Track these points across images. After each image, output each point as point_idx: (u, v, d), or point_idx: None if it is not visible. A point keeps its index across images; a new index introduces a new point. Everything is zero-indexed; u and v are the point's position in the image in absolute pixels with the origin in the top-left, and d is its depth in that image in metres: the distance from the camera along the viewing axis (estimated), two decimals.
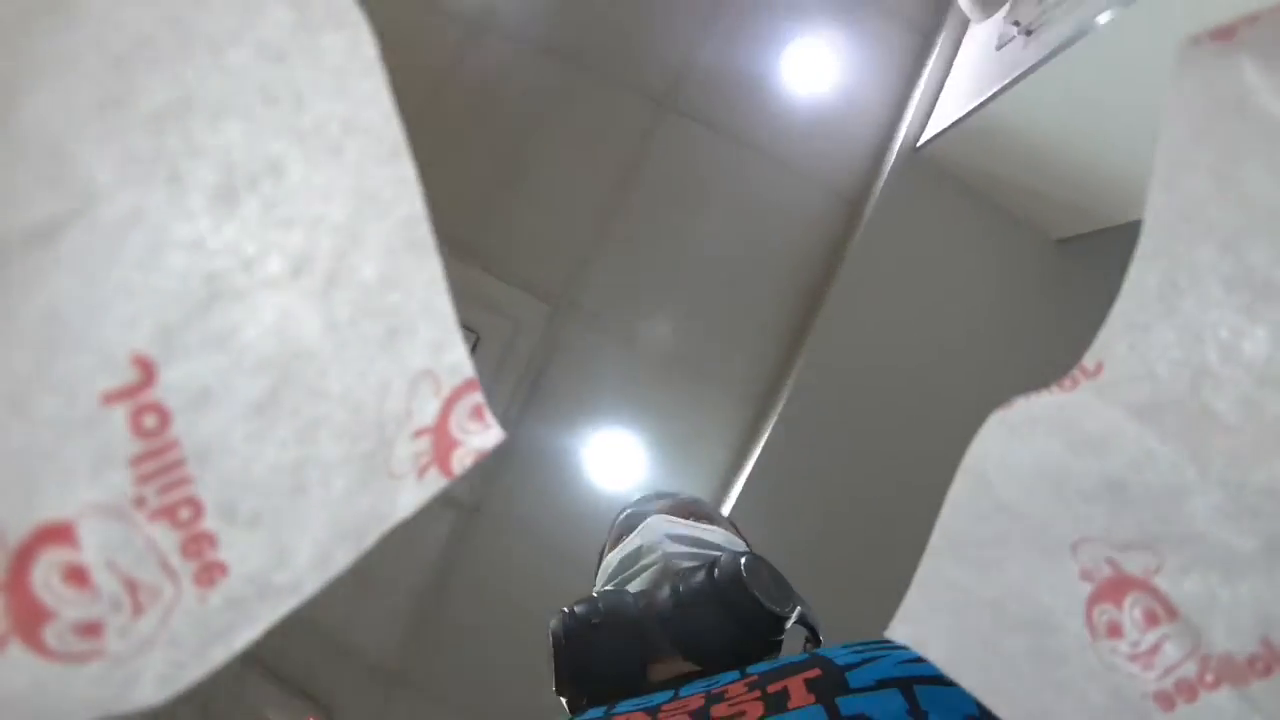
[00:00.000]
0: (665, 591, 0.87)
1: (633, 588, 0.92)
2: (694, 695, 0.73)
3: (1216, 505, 0.40)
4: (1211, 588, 0.40)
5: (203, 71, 0.31)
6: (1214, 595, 0.40)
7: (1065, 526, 0.43)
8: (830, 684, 0.65)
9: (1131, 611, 0.41)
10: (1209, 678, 0.40)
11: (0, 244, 0.30)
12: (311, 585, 0.36)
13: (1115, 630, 0.42)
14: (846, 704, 0.63)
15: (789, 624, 0.84)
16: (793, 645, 0.86)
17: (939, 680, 0.63)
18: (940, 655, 0.45)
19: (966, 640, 0.45)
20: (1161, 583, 0.41)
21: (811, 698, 0.64)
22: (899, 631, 0.46)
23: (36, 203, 0.30)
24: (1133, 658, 0.41)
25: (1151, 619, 0.41)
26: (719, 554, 0.93)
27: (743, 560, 0.85)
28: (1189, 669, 0.40)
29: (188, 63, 0.31)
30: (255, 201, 0.33)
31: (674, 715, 0.69)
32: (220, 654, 0.34)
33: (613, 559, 0.99)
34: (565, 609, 0.90)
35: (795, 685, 0.67)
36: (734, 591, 0.83)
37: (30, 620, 0.31)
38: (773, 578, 0.86)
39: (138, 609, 0.33)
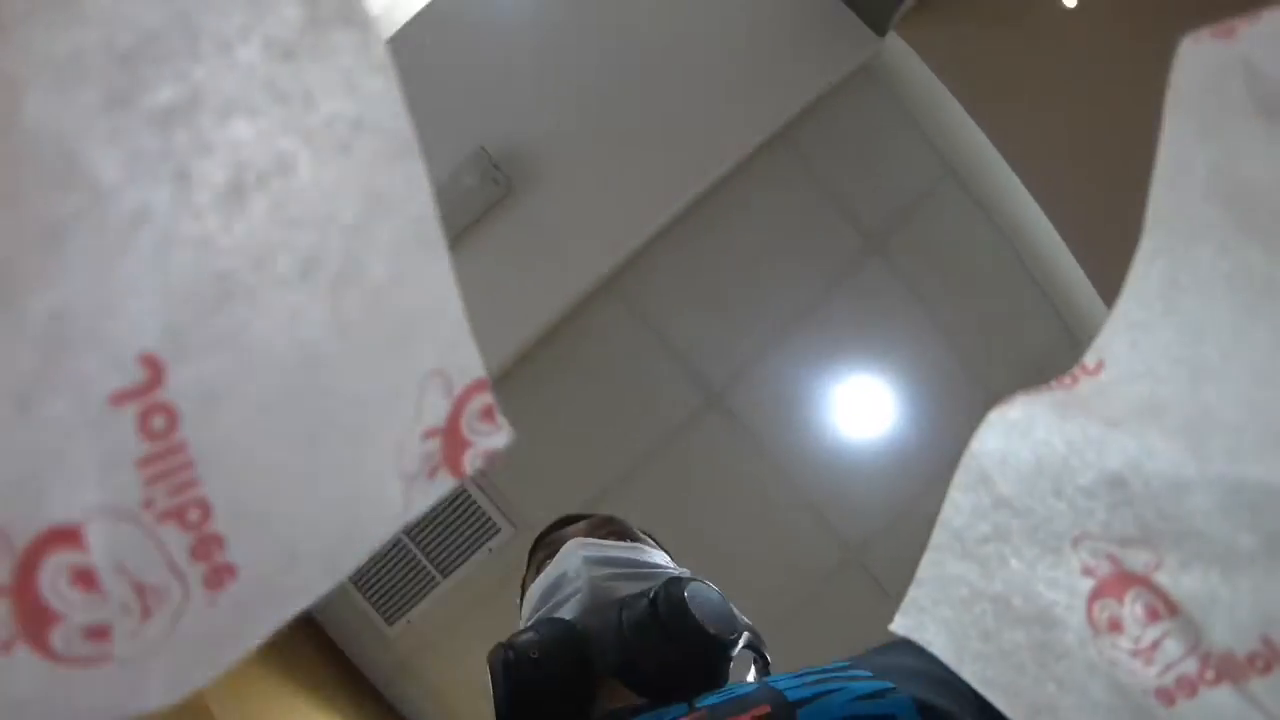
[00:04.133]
0: (608, 620, 0.84)
1: (562, 616, 0.89)
2: None
3: (1216, 502, 0.40)
4: (1212, 585, 0.40)
5: (211, 69, 0.31)
6: (1214, 592, 0.40)
7: (1066, 522, 0.43)
8: None
9: (1132, 607, 0.42)
10: (1209, 674, 0.40)
11: (8, 244, 0.29)
12: (320, 587, 0.35)
13: (1116, 626, 0.42)
14: None
15: (736, 650, 0.82)
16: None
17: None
18: (942, 649, 0.46)
19: (968, 634, 0.45)
20: (1162, 579, 0.41)
21: None
22: (902, 625, 0.47)
23: (43, 201, 0.30)
24: (1134, 654, 0.41)
25: (1152, 615, 0.41)
26: (653, 573, 0.90)
27: (686, 586, 0.82)
28: (1189, 665, 0.40)
29: (196, 60, 0.31)
30: (264, 200, 0.32)
31: None
32: (229, 656, 0.34)
33: (534, 590, 0.96)
34: (504, 642, 0.86)
35: None
36: (679, 620, 0.80)
37: (37, 623, 0.31)
38: (717, 603, 0.84)
39: (146, 612, 0.32)
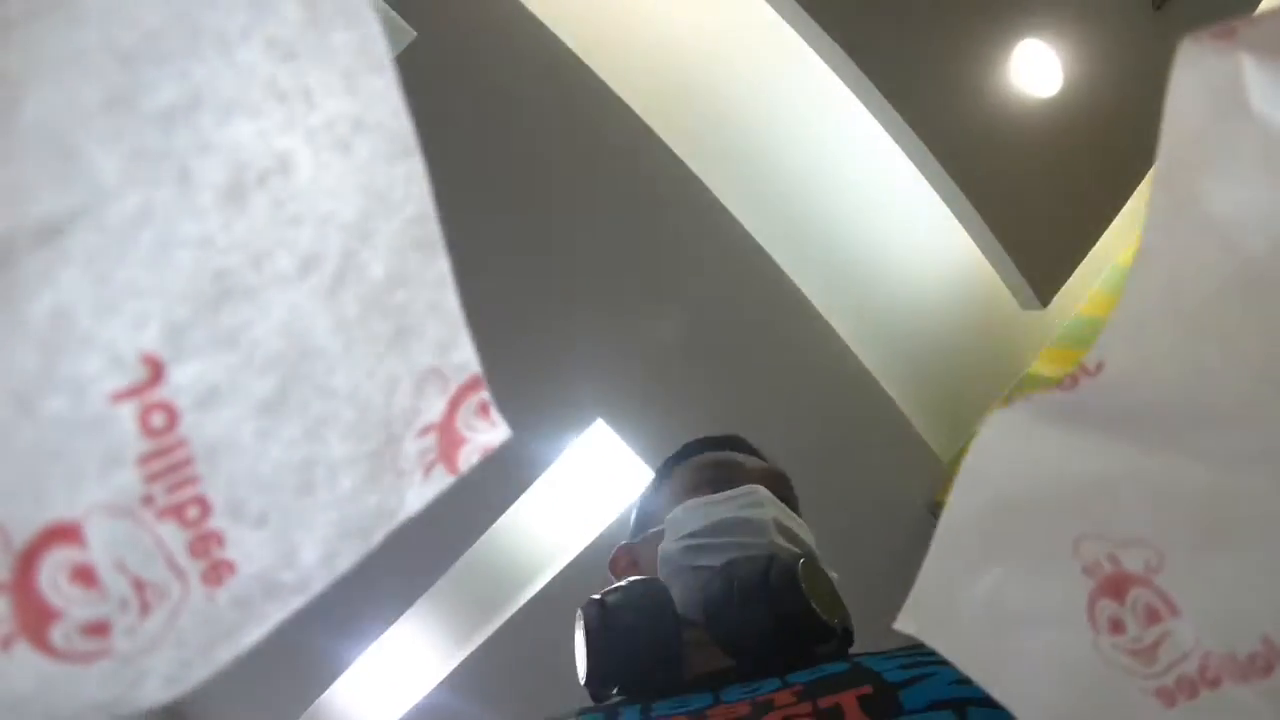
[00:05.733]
0: (716, 584, 0.83)
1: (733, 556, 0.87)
2: (739, 702, 0.71)
3: (1216, 502, 0.40)
4: (1212, 585, 0.40)
5: (212, 69, 0.31)
6: (1215, 593, 0.40)
7: (1067, 523, 0.43)
8: (884, 703, 0.65)
9: (1133, 607, 0.42)
10: (1210, 675, 0.40)
11: (7, 242, 0.29)
12: (318, 583, 0.36)
13: (1117, 626, 0.42)
14: None
15: (835, 636, 0.82)
16: None
17: (990, 703, 0.63)
18: (945, 648, 0.46)
19: (971, 634, 0.45)
20: (1163, 579, 0.41)
21: (866, 717, 0.63)
22: (904, 625, 0.47)
23: (44, 200, 0.30)
24: (1134, 653, 0.41)
25: (1153, 615, 0.41)
26: (768, 546, 0.89)
27: (800, 564, 0.82)
28: (1190, 666, 0.40)
29: (196, 59, 0.31)
30: (264, 199, 0.33)
31: None
32: (227, 653, 0.34)
33: (697, 506, 0.93)
34: (597, 596, 0.86)
35: (848, 702, 0.66)
36: (789, 597, 0.80)
37: (37, 620, 0.31)
38: (827, 585, 0.84)
39: (145, 608, 0.32)
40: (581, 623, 0.85)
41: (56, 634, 0.31)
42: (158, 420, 0.32)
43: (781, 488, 0.99)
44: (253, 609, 0.34)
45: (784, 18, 2.10)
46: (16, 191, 0.30)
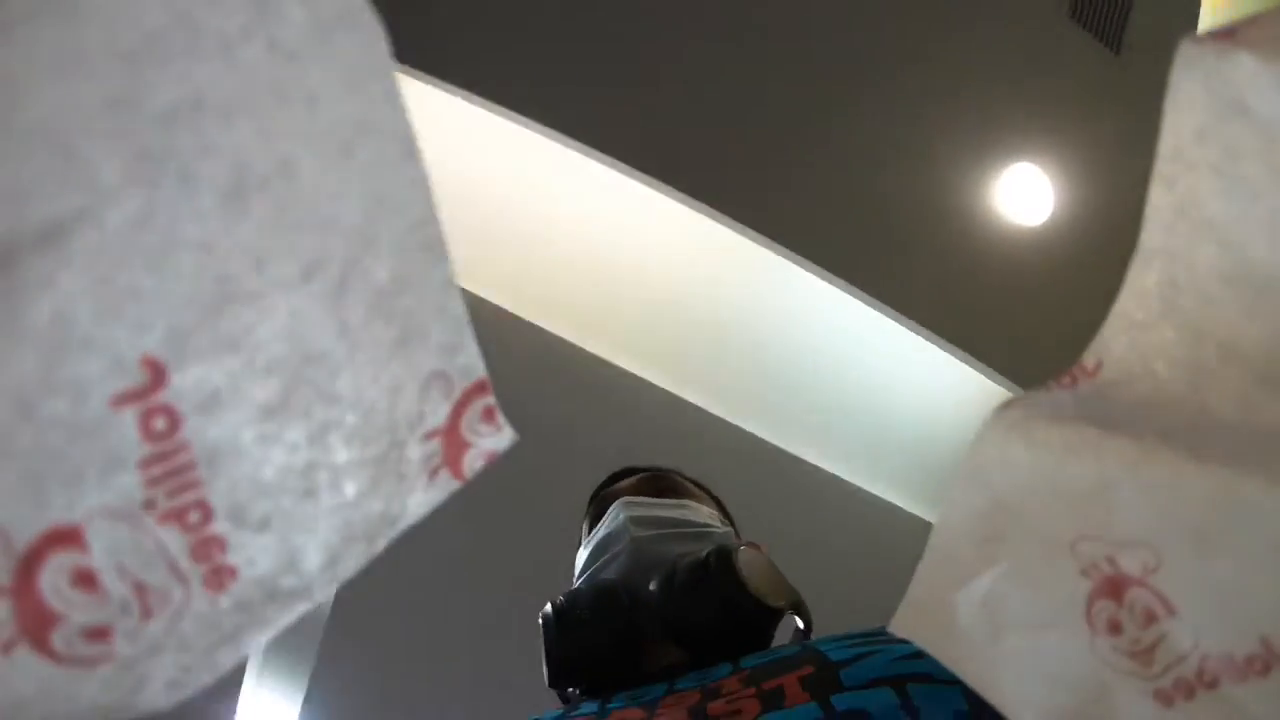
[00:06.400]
0: (655, 579, 0.86)
1: (607, 576, 0.91)
2: (689, 690, 0.73)
3: (1215, 503, 0.40)
4: (1210, 587, 0.40)
5: (213, 70, 0.31)
6: (1212, 594, 0.40)
7: (1064, 524, 0.43)
8: (824, 681, 0.66)
9: (1131, 609, 0.42)
10: (1208, 676, 0.40)
11: (9, 245, 0.29)
12: (321, 589, 0.35)
13: (1115, 627, 0.42)
14: (840, 700, 0.63)
15: (783, 617, 0.84)
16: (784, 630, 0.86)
17: (931, 678, 0.63)
18: (940, 650, 0.46)
19: (966, 636, 0.45)
20: (1160, 581, 0.41)
21: (806, 695, 0.65)
22: (900, 626, 0.47)
23: (45, 202, 0.30)
24: (1132, 655, 0.41)
25: (1150, 617, 0.41)
26: (701, 533, 0.92)
27: (738, 552, 0.85)
28: (1188, 667, 0.40)
29: (198, 61, 0.31)
30: (267, 202, 0.32)
31: (672, 711, 0.69)
32: (229, 658, 0.34)
33: (584, 548, 0.98)
34: (554, 601, 0.89)
35: (790, 683, 0.67)
36: (729, 584, 0.82)
37: (38, 624, 0.31)
38: (768, 570, 0.86)
39: (146, 612, 0.32)
40: (541, 626, 0.88)
41: (58, 638, 0.31)
42: (160, 424, 0.32)
43: (655, 485, 1.03)
44: (255, 613, 0.34)
45: (771, 250, 2.15)
46: (17, 193, 0.29)
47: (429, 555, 2.04)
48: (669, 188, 2.22)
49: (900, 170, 2.38)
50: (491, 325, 2.32)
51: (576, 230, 2.44)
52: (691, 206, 2.23)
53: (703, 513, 0.99)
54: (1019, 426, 0.44)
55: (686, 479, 1.07)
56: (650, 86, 2.32)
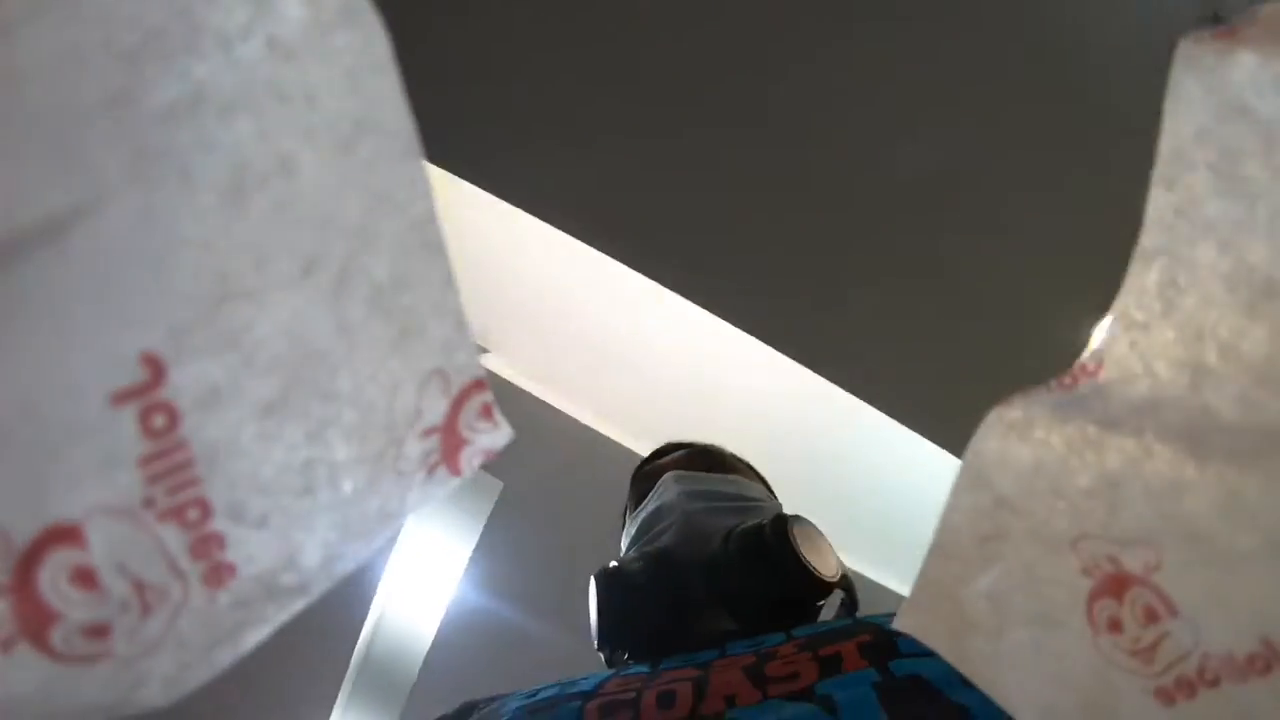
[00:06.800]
0: (707, 551, 0.86)
1: (660, 545, 0.91)
2: (744, 654, 0.73)
3: (1216, 503, 0.40)
4: (1211, 585, 0.40)
5: (213, 68, 0.31)
6: (1214, 593, 0.40)
7: (1065, 523, 0.43)
8: (882, 648, 0.66)
9: (1132, 608, 0.42)
10: (1209, 675, 0.40)
11: (7, 242, 0.29)
12: (319, 586, 0.35)
13: (1116, 626, 0.42)
14: (898, 665, 0.63)
15: (832, 592, 0.84)
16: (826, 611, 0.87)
17: None
18: (945, 647, 0.46)
19: (969, 633, 0.45)
20: (1162, 580, 0.41)
21: (865, 662, 0.65)
22: (903, 624, 0.47)
23: (44, 200, 0.30)
24: (1133, 654, 0.41)
25: (1151, 615, 0.41)
26: (749, 506, 0.93)
27: (793, 524, 0.85)
28: (1189, 666, 0.40)
29: (198, 59, 0.31)
30: (266, 200, 0.32)
31: (727, 670, 0.69)
32: (227, 655, 0.34)
33: (631, 526, 0.98)
34: (608, 566, 0.89)
35: (848, 650, 0.67)
36: (783, 555, 0.82)
37: (37, 622, 0.31)
38: (821, 544, 0.86)
39: (146, 610, 0.32)
40: (593, 588, 0.88)
41: (57, 636, 0.31)
42: (159, 421, 0.32)
43: (704, 461, 1.03)
44: (254, 611, 0.34)
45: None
46: (17, 190, 0.29)
47: None
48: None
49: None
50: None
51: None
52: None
53: (754, 488, 0.99)
54: (1020, 426, 0.44)
55: (731, 455, 1.07)
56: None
